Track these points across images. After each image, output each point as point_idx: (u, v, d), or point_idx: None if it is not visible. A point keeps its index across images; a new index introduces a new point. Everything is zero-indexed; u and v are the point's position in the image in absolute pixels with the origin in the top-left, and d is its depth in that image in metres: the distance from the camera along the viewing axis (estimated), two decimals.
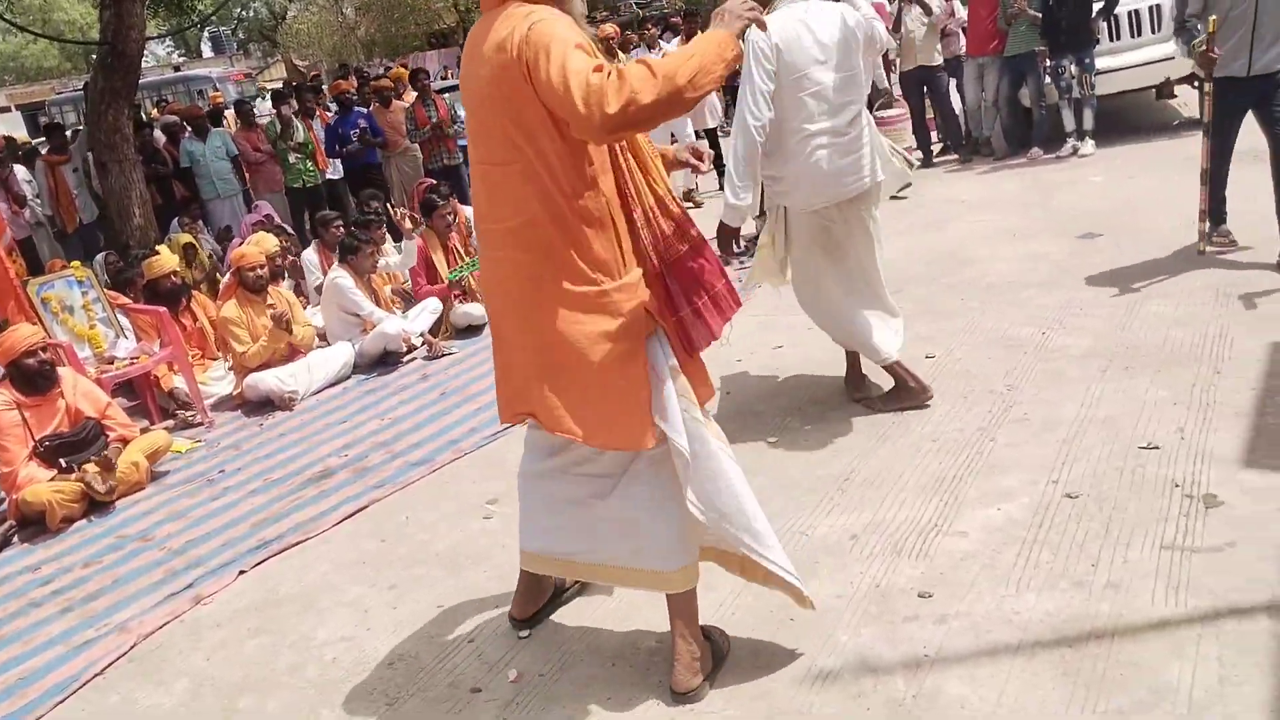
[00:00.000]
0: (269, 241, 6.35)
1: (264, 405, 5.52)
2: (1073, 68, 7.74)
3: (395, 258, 6.51)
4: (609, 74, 1.97)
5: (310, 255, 7.05)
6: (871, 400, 3.94)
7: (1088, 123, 7.87)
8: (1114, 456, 3.18)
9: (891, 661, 2.44)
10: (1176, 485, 2.95)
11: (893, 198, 6.72)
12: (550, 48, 2.04)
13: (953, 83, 8.71)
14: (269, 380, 5.51)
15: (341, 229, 6.67)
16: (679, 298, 2.31)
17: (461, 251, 6.56)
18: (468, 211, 7.33)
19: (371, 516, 3.87)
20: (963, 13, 8.59)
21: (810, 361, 4.47)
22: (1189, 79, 8.26)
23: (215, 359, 6.21)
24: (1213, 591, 2.46)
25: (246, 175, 9.29)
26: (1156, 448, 3.18)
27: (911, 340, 4.50)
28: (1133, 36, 8.03)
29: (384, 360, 5.85)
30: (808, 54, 3.50)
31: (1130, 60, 7.97)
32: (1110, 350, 3.99)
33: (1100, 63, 7.83)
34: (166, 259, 6.21)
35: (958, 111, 8.71)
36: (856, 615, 2.63)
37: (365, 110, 9.30)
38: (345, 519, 3.87)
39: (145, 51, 8.85)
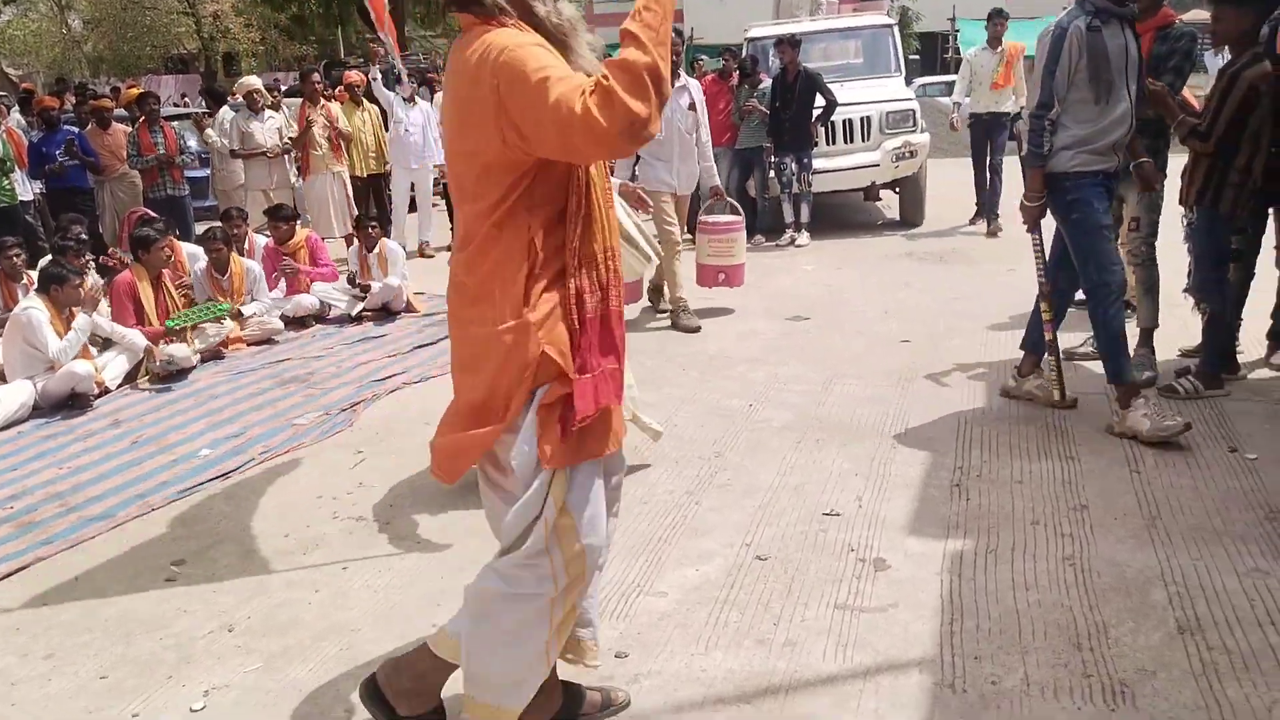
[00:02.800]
0: None
1: None
2: (793, 165, 8.49)
3: (106, 321, 5.85)
4: (591, 93, 1.80)
5: None
6: None
7: (804, 216, 8.64)
8: (801, 521, 3.42)
9: None
10: (852, 550, 3.22)
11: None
12: (526, 80, 1.86)
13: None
14: None
15: (19, 257, 6.04)
16: (589, 355, 2.09)
17: (172, 290, 6.09)
18: (188, 249, 6.87)
19: (33, 577, 3.44)
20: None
21: None
22: (891, 185, 9.29)
23: None
24: (875, 649, 2.69)
25: None
26: (838, 514, 3.46)
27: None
28: (846, 143, 8.92)
29: (71, 402, 5.29)
30: None
31: (843, 164, 8.84)
32: (806, 423, 4.33)
33: (817, 163, 8.63)
34: None
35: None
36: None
37: (76, 130, 8.53)
38: (1, 580, 3.42)
39: None
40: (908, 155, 8.77)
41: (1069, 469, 3.71)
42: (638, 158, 5.98)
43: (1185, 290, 4.65)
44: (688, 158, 6.13)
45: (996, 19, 8.51)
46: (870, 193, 9.72)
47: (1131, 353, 4.67)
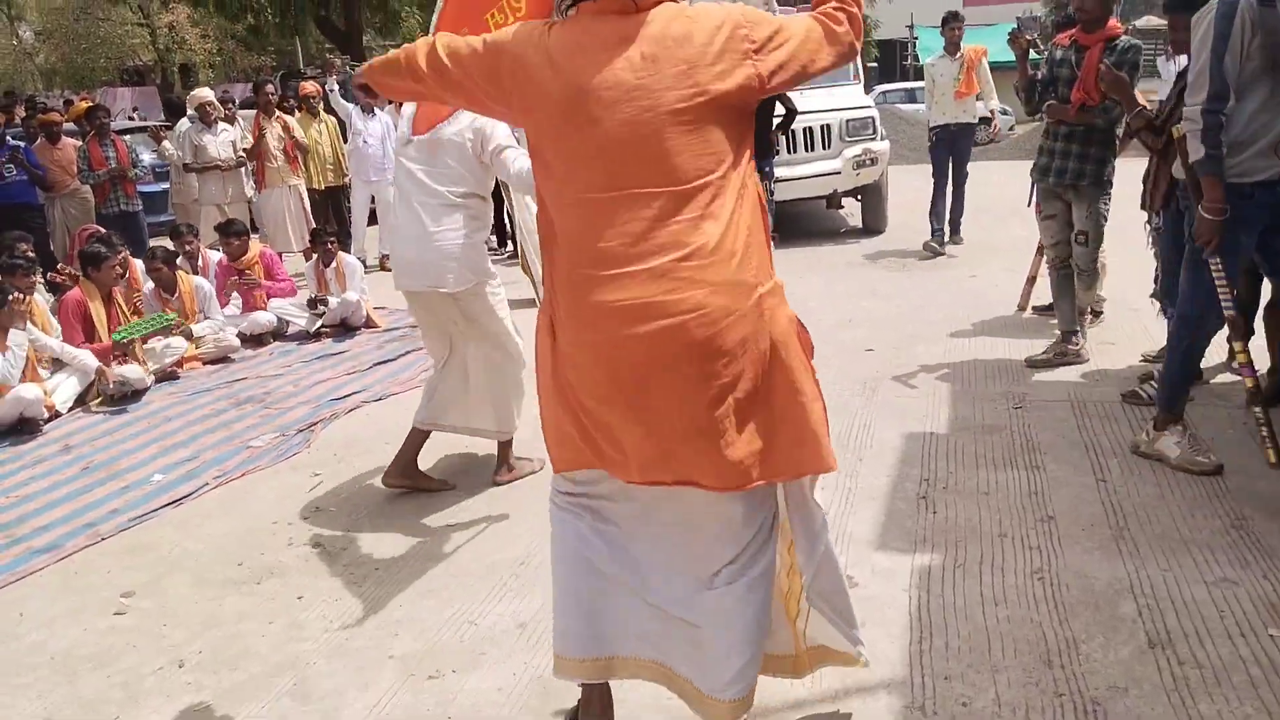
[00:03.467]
0: None
1: None
2: None
3: (55, 341, 5.69)
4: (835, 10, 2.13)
5: None
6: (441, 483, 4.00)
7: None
8: None
9: None
10: None
11: None
12: (780, 20, 2.10)
13: None
14: None
15: None
16: None
17: (124, 307, 5.94)
18: (140, 266, 6.71)
19: None
20: None
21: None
22: (852, 192, 9.30)
23: None
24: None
25: None
26: None
27: None
28: (807, 150, 8.92)
29: (19, 428, 5.12)
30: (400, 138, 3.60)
31: (804, 172, 8.83)
32: None
33: (779, 172, 8.59)
34: None
35: None
36: (516, 709, 2.56)
37: (23, 145, 8.33)
38: None
39: None
40: (868, 163, 8.79)
41: (1035, 479, 3.69)
42: None
43: (1152, 295, 4.66)
44: None
45: (952, 23, 7.92)
46: (832, 200, 9.71)
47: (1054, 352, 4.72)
